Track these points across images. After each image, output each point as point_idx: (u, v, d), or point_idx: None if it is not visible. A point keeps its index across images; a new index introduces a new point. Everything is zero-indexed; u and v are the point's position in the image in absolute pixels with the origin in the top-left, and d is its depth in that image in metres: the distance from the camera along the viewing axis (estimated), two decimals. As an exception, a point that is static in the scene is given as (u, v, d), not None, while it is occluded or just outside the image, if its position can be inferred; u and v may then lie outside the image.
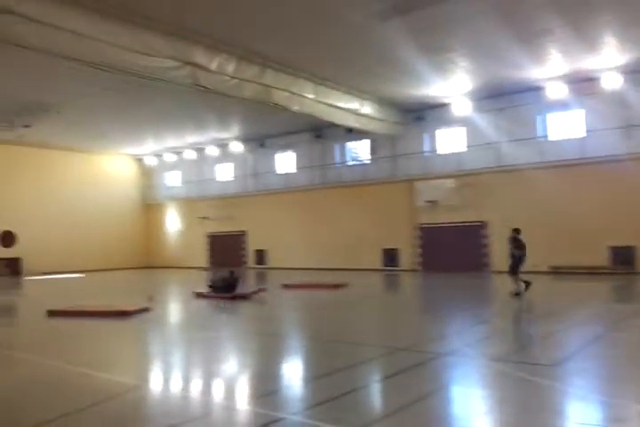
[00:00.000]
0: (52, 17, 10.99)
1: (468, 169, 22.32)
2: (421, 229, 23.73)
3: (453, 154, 23.14)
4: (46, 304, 13.14)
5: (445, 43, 15.36)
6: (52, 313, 11.98)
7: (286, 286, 17.25)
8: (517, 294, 12.95)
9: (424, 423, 4.67)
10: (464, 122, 22.54)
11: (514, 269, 13.25)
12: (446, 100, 21.88)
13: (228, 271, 15.31)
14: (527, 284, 13.38)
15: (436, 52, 15.96)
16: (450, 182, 22.60)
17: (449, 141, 23.46)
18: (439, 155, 23.56)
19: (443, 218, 23.12)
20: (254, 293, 15.18)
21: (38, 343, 8.97)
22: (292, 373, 6.84)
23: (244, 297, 14.56)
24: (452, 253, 22.66)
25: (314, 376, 6.32)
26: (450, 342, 8.39)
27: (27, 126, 22.90)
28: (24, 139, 26.20)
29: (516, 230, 13.52)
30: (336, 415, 4.76)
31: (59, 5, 11.10)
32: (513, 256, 13.36)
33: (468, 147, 22.62)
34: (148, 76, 13.37)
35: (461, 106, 21.86)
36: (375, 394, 5.75)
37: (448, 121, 23.03)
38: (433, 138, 23.76)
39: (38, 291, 20.55)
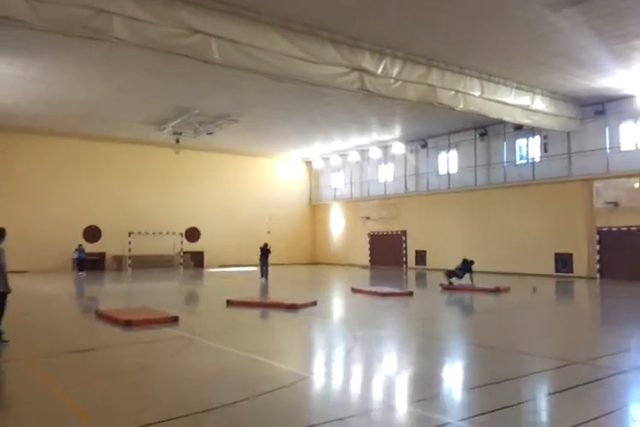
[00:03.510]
0: (235, 34, 12.04)
1: (657, 166, 19.96)
2: (600, 232, 21.71)
3: (638, 150, 20.82)
4: (224, 294, 14.47)
5: (629, 30, 13.87)
6: (231, 303, 13.17)
7: (445, 288, 17.03)
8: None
9: (603, 445, 4.35)
10: (652, 114, 20.19)
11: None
12: (630, 92, 19.78)
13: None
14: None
15: (618, 40, 14.49)
16: (634, 182, 20.39)
17: (633, 136, 21.15)
18: (622, 151, 21.34)
19: (625, 221, 20.91)
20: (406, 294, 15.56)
21: (219, 331, 9.93)
22: (456, 378, 6.74)
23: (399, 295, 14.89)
24: (636, 260, 20.43)
25: (479, 384, 6.16)
26: (634, 357, 7.63)
27: (210, 133, 25.35)
28: (208, 145, 29.07)
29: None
30: (505, 426, 4.62)
31: (240, 23, 12.12)
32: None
33: (657, 142, 20.21)
34: (318, 84, 13.98)
35: (649, 96, 19.60)
36: (546, 409, 5.44)
37: (632, 114, 20.79)
38: (615, 133, 21.59)
39: (218, 282, 22.66)
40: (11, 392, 6.26)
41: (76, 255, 25.55)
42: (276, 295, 15.41)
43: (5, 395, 6.19)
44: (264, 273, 21.75)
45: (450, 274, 17.43)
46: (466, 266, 17.27)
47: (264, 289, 18.83)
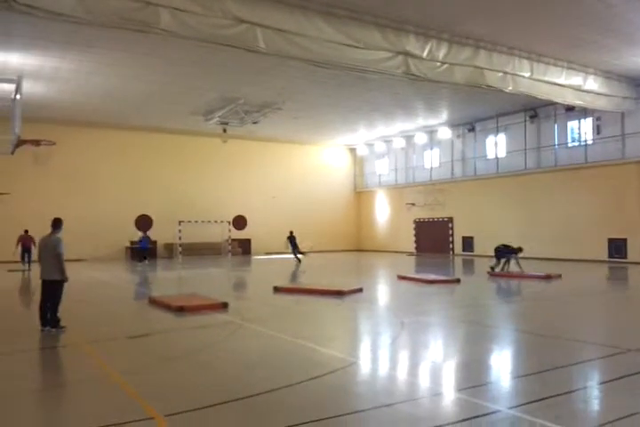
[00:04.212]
0: (280, 22, 12.06)
1: None
2: (657, 217, 20.88)
3: (700, 130, 19.84)
4: (271, 281, 14.70)
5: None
6: (278, 289, 13.38)
7: (492, 275, 16.81)
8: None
9: (659, 435, 4.24)
10: None
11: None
12: (691, 69, 18.81)
13: None
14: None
15: (677, 15, 13.79)
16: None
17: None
18: (681, 132, 20.38)
19: (685, 205, 20.04)
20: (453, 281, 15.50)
21: (267, 317, 10.11)
22: (504, 365, 6.68)
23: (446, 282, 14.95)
24: (697, 246, 19.59)
25: (528, 372, 6.08)
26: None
27: (255, 122, 25.57)
28: (253, 134, 29.36)
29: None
30: (556, 414, 4.57)
31: (285, 11, 12.13)
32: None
33: None
34: (362, 69, 13.86)
35: None
36: (598, 397, 5.32)
37: (694, 92, 19.79)
38: (673, 113, 20.62)
39: (264, 268, 23.02)
40: (68, 377, 6.54)
41: (138, 244, 25.10)
42: (322, 282, 15.54)
43: (63, 379, 6.46)
44: (297, 257, 24.10)
45: (497, 254, 17.08)
46: (509, 250, 16.88)
47: (310, 276, 19.00)
